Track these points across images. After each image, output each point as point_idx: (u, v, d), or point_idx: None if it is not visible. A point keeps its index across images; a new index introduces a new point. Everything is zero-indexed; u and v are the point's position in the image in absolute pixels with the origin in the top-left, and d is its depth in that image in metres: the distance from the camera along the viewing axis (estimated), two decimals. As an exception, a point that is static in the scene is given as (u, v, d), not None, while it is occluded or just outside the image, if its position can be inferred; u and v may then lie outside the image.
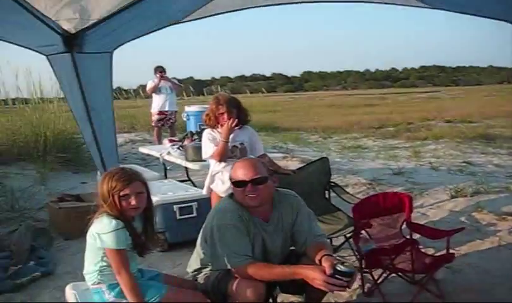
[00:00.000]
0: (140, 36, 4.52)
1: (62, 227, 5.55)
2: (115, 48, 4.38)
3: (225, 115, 4.39)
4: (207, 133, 4.55)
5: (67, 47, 4.00)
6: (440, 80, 67.29)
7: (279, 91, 60.76)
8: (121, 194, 2.82)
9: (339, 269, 2.74)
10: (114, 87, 19.03)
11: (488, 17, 4.04)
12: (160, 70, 10.36)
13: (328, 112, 23.69)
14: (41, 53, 4.22)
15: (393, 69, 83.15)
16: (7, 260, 4.73)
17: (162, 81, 10.31)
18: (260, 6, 4.69)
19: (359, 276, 4.04)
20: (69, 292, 3.08)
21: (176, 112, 10.60)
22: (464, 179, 7.48)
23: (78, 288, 3.07)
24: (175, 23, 4.60)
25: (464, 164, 9.05)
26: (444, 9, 4.37)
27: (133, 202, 2.84)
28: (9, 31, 4.02)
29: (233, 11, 4.69)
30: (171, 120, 10.55)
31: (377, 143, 12.93)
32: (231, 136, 4.39)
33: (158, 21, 4.43)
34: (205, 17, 4.66)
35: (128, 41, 4.47)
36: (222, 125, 4.41)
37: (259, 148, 4.67)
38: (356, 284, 4.04)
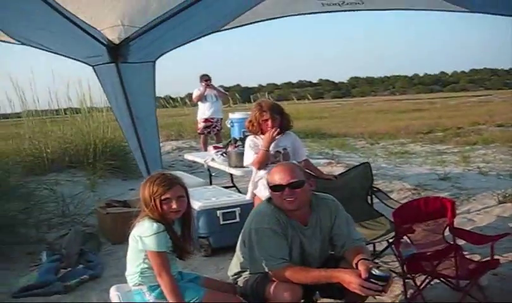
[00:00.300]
0: (181, 45, 4.61)
1: (109, 232, 5.73)
2: (158, 58, 4.47)
3: (269, 122, 4.41)
4: (250, 140, 4.59)
5: (112, 57, 4.12)
6: (491, 83, 65.14)
7: (326, 98, 60.40)
8: (163, 198, 2.90)
9: (374, 273, 2.74)
10: (163, 95, 19.42)
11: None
12: (205, 78, 10.50)
13: (375, 117, 23.40)
14: (87, 64, 4.36)
15: (442, 72, 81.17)
16: (57, 263, 4.95)
17: (207, 89, 10.46)
18: (299, 14, 4.72)
19: (401, 282, 4.02)
20: (113, 293, 3.19)
21: (221, 119, 10.71)
22: (513, 184, 7.28)
23: (122, 290, 3.18)
24: (216, 31, 4.68)
25: (515, 169, 8.80)
26: (487, 13, 4.31)
27: (174, 205, 2.92)
28: (58, 43, 4.19)
29: (272, 18, 4.74)
30: (217, 128, 10.68)
31: (424, 149, 12.71)
32: (275, 142, 4.43)
33: (199, 30, 4.50)
34: (245, 25, 4.71)
35: (170, 50, 4.57)
36: (265, 132, 4.42)
37: (302, 153, 4.71)
38: (398, 290, 4.03)
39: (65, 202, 6.83)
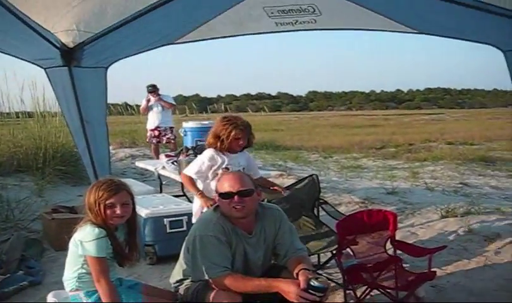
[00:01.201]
0: (135, 54, 4.62)
1: (54, 238, 5.59)
2: (111, 64, 4.48)
3: (241, 141, 4.17)
4: (209, 153, 4.24)
5: (66, 61, 4.12)
6: (444, 102, 67.45)
7: (284, 110, 61.08)
8: (107, 202, 2.89)
9: (312, 284, 2.79)
10: (121, 102, 19.20)
11: (481, 42, 4.18)
12: (149, 90, 10.61)
13: (331, 131, 23.79)
14: (39, 66, 4.32)
15: (398, 90, 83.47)
16: (-4, 269, 4.80)
17: (153, 99, 10.53)
18: (253, 34, 4.78)
19: (342, 293, 4.10)
20: (51, 299, 3.15)
21: (171, 127, 10.74)
22: (457, 200, 7.50)
23: (60, 296, 3.14)
24: (169, 44, 4.69)
25: (461, 185, 9.09)
26: (438, 35, 4.50)
27: (118, 211, 2.90)
28: (10, 44, 4.12)
29: (227, 37, 4.79)
30: (167, 136, 10.69)
31: (376, 164, 12.96)
32: (235, 159, 4.23)
33: (153, 41, 4.52)
34: (200, 40, 4.74)
35: (124, 57, 4.57)
36: (231, 149, 4.19)
37: (256, 172, 4.57)
38: (339, 300, 4.10)
39: (10, 206, 6.63)
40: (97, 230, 2.85)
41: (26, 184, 8.24)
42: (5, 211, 6.56)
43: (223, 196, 3.17)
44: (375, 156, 14.47)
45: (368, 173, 11.08)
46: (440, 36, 4.56)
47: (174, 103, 10.97)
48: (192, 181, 4.32)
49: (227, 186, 3.17)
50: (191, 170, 4.34)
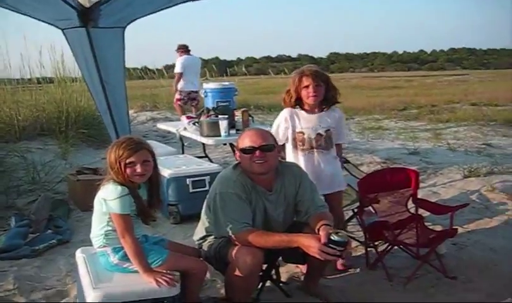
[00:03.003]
0: (153, 13, 4.57)
1: (79, 199, 5.70)
2: (128, 24, 4.44)
3: (311, 89, 3.70)
4: (285, 115, 3.85)
5: (83, 21, 4.09)
6: (469, 63, 65.96)
7: (305, 73, 60.32)
8: (127, 161, 2.89)
9: (333, 238, 2.83)
10: (140, 66, 19.06)
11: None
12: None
13: (352, 93, 23.47)
14: (57, 27, 4.33)
15: (421, 51, 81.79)
16: (26, 228, 4.94)
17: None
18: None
19: (363, 250, 4.13)
20: (79, 255, 3.22)
21: (179, 91, 10.86)
22: (480, 160, 7.45)
23: (87, 252, 3.20)
24: (188, 1, 4.63)
25: (484, 146, 8.98)
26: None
27: (139, 170, 2.92)
28: (26, 4, 4.12)
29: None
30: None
31: (398, 125, 12.82)
32: (316, 121, 3.81)
33: (171, -2, 4.47)
34: (221, -4, 4.67)
35: (141, 16, 4.52)
36: (304, 103, 3.79)
37: (342, 135, 4.10)
38: (361, 258, 4.14)
39: (35, 169, 6.75)
40: (119, 188, 2.88)
41: (50, 147, 8.36)
42: (31, 173, 6.69)
43: (244, 151, 3.20)
44: (397, 117, 14.30)
45: (390, 135, 11.00)
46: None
47: (177, 71, 10.84)
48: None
49: (248, 141, 3.20)
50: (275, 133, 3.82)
